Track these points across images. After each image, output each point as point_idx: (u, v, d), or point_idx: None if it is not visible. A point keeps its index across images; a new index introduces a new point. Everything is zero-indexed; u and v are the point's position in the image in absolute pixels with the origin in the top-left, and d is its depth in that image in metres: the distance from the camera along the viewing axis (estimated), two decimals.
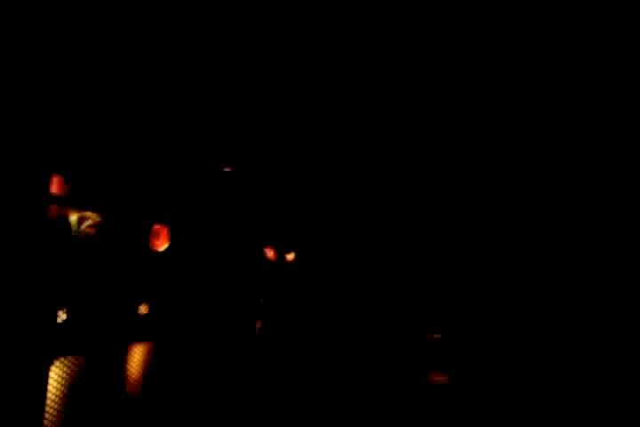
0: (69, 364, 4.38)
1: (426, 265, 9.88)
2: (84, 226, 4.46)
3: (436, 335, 8.19)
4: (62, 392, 4.24)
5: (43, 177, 4.16)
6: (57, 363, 4.22)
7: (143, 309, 5.62)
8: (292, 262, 9.90)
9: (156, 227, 6.21)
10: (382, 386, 5.28)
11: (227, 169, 7.86)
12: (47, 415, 4.10)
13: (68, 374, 4.33)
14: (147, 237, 5.79)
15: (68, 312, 4.44)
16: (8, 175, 3.97)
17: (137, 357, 5.12)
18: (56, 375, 4.13)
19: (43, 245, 4.00)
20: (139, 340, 5.25)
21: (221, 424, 4.19)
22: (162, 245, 6.15)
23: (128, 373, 4.84)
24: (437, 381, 5.29)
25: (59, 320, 4.41)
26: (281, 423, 4.32)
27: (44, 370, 3.89)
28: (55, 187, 4.41)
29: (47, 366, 3.99)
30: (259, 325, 7.78)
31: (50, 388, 4.21)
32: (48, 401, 4.13)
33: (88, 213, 4.45)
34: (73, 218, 4.45)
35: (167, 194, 6.36)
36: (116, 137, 5.81)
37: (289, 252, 9.97)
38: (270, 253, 9.30)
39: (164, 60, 5.83)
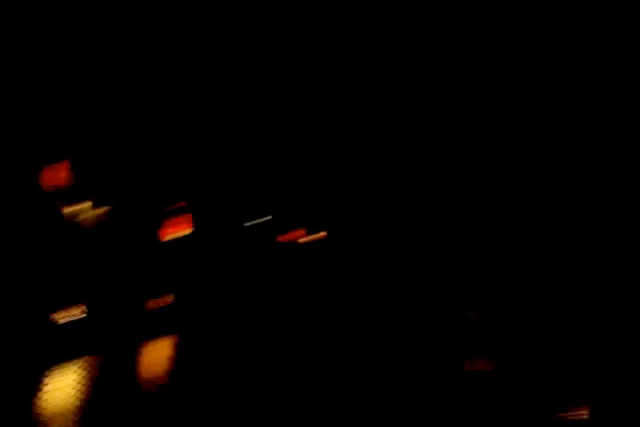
0: (85, 365, 4.14)
1: (460, 230, 9.36)
2: (93, 215, 4.17)
3: (471, 314, 7.77)
4: (79, 396, 4.01)
5: (40, 164, 3.87)
6: (71, 365, 3.98)
7: (165, 300, 5.38)
8: (321, 244, 9.56)
9: (175, 213, 5.92)
10: (415, 373, 4.90)
11: (240, 150, 7.48)
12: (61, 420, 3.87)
13: (83, 376, 4.08)
14: (162, 223, 5.51)
15: (82, 309, 4.20)
16: (8, 164, 3.70)
17: (159, 353, 4.86)
18: (70, 379, 3.89)
19: (49, 237, 3.73)
20: (161, 334, 4.99)
21: (252, 424, 3.85)
22: (182, 232, 5.86)
23: (149, 371, 4.58)
24: (478, 367, 4.91)
25: (72, 318, 4.18)
26: (311, 416, 3.97)
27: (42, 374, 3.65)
28: (59, 174, 4.13)
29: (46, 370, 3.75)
30: (289, 312, 7.50)
31: (64, 391, 3.98)
32: (63, 404, 3.90)
33: (97, 201, 4.16)
34: (81, 208, 4.16)
35: (184, 176, 6.02)
36: (127, 119, 5.48)
37: (318, 232, 9.62)
38: (298, 235, 8.98)
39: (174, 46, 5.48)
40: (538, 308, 7.28)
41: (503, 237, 9.13)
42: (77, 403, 3.95)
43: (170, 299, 5.13)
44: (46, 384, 4.04)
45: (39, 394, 3.90)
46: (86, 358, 4.17)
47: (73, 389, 3.99)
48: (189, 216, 5.97)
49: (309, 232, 9.60)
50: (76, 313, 4.30)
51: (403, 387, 4.42)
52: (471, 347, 5.63)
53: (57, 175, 4.20)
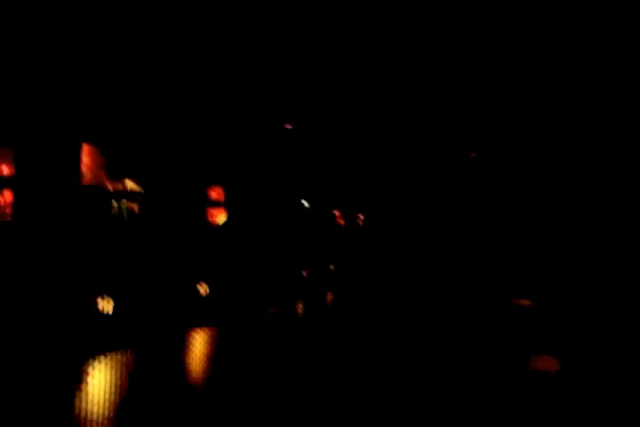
0: (118, 359, 3.82)
1: (509, 216, 8.91)
2: (125, 202, 3.83)
3: (523, 301, 7.33)
4: (114, 391, 3.69)
5: (75, 148, 3.53)
6: (102, 359, 3.66)
7: (202, 290, 5.04)
8: (363, 226, 9.17)
9: (213, 197, 5.57)
10: (471, 371, 4.46)
11: (288, 127, 7.06)
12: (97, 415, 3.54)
13: (117, 370, 3.76)
14: (203, 210, 5.14)
15: (113, 300, 3.88)
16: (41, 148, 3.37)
17: (197, 345, 4.53)
18: (102, 374, 3.57)
19: (79, 224, 3.41)
20: (199, 325, 4.66)
21: (295, 418, 3.48)
22: (220, 218, 5.51)
23: (188, 364, 4.25)
24: (544, 367, 4.45)
25: (102, 310, 3.87)
26: (362, 410, 3.59)
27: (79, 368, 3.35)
28: (90, 159, 3.78)
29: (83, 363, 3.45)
30: (330, 297, 7.15)
31: (97, 387, 3.67)
32: (96, 400, 3.58)
33: (129, 184, 3.82)
34: (112, 191, 3.82)
35: (222, 160, 5.64)
36: (161, 100, 5.08)
37: (359, 215, 9.22)
38: (340, 217, 8.59)
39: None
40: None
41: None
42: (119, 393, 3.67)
43: (207, 287, 4.81)
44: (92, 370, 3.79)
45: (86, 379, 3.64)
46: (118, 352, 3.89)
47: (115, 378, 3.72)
48: (225, 205, 5.62)
49: (349, 216, 9.25)
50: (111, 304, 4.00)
51: (463, 384, 4.02)
52: (534, 343, 5.20)
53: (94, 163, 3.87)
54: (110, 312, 3.61)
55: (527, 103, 7.58)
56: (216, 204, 5.44)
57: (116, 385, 3.77)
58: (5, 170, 2.80)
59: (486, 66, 6.80)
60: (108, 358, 3.99)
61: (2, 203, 2.89)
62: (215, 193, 5.63)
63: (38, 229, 3.16)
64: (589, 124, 7.56)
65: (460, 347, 5.07)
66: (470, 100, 7.67)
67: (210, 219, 5.26)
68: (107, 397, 3.69)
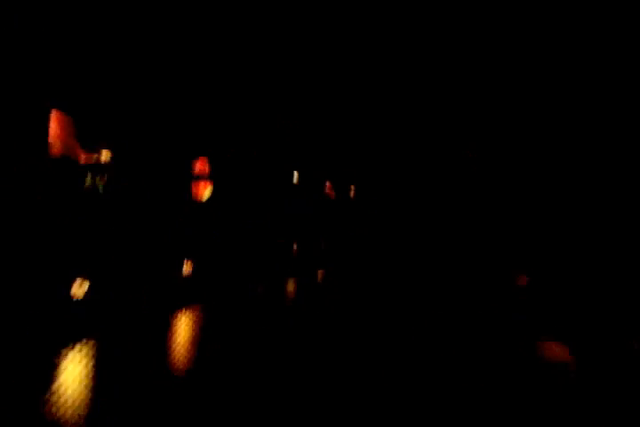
0: (97, 345, 3.56)
1: (505, 191, 8.75)
2: (98, 175, 3.50)
3: (522, 280, 7.13)
4: (90, 377, 3.44)
5: (43, 117, 3.17)
6: (78, 346, 3.40)
7: (186, 268, 4.74)
8: (353, 199, 8.87)
9: (198, 170, 5.22)
10: (474, 358, 4.24)
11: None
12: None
13: (95, 357, 3.51)
14: (187, 183, 4.79)
15: (88, 282, 3.59)
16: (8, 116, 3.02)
17: (181, 326, 4.27)
18: (79, 361, 3.31)
19: (47, 198, 3.09)
20: (182, 305, 4.39)
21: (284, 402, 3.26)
22: (205, 192, 5.18)
23: (171, 346, 4.00)
24: (552, 355, 4.21)
25: (77, 294, 3.58)
26: (356, 394, 3.38)
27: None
28: (60, 127, 3.42)
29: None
30: (320, 275, 6.89)
31: (73, 373, 3.42)
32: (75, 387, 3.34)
33: (105, 156, 3.47)
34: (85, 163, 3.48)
35: (207, 130, 5.27)
36: (139, 65, 4.68)
37: (350, 187, 8.90)
38: (330, 190, 8.26)
39: None
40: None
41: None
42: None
43: (191, 264, 4.52)
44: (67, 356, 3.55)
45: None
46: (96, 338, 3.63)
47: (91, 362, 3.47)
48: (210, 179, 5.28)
49: (340, 188, 8.97)
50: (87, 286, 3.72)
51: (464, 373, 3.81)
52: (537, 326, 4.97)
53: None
54: (85, 295, 3.33)
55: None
56: (201, 176, 5.11)
57: (94, 372, 3.53)
58: None
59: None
60: (84, 344, 3.74)
61: None
62: (200, 165, 5.29)
63: (3, 206, 2.85)
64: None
65: (460, 330, 4.86)
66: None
67: (194, 192, 4.94)
68: (84, 384, 3.45)
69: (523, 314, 5.43)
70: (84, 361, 3.55)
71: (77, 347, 3.66)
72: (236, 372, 3.56)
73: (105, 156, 3.59)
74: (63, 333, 3.45)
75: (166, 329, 4.23)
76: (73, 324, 3.43)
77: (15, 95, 3.03)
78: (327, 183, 8.37)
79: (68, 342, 3.57)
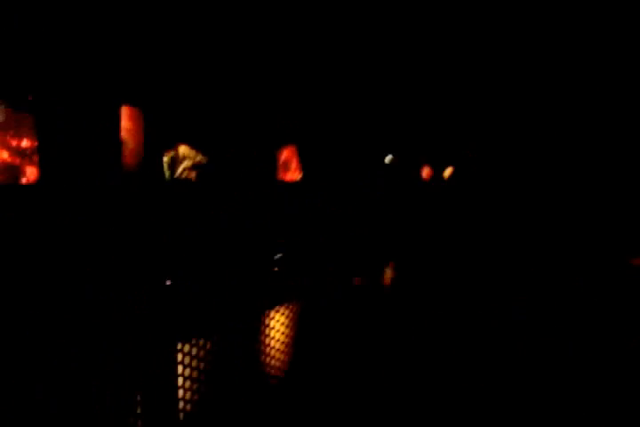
0: (194, 347, 3.40)
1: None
2: (180, 169, 3.32)
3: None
4: (190, 382, 3.29)
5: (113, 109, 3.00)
6: (180, 347, 3.25)
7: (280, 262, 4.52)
8: (448, 182, 8.33)
9: (284, 156, 4.98)
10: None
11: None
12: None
13: (195, 359, 3.35)
14: (273, 173, 4.56)
15: (174, 280, 3.42)
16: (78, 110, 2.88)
17: (278, 325, 4.05)
18: (179, 364, 3.16)
19: (125, 197, 2.93)
20: (278, 303, 4.18)
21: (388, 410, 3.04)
22: (293, 178, 4.94)
23: (267, 348, 3.79)
24: None
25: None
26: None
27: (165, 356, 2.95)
28: (132, 123, 3.26)
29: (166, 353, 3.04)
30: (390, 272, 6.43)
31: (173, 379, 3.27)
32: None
33: (184, 151, 3.30)
34: (165, 159, 3.31)
35: (292, 113, 4.98)
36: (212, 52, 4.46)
37: (446, 168, 8.37)
38: (426, 172, 7.78)
39: None
40: None
41: None
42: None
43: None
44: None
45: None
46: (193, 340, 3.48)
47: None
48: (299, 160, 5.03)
49: (435, 170, 8.49)
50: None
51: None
52: None
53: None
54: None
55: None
56: (288, 166, 4.86)
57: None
58: (25, 142, 2.29)
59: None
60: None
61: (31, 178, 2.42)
62: (288, 152, 5.03)
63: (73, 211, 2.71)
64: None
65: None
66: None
67: (282, 183, 4.69)
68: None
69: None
70: None
71: None
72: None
73: (182, 150, 3.41)
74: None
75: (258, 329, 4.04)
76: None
77: (82, 92, 2.88)
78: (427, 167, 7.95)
79: None
